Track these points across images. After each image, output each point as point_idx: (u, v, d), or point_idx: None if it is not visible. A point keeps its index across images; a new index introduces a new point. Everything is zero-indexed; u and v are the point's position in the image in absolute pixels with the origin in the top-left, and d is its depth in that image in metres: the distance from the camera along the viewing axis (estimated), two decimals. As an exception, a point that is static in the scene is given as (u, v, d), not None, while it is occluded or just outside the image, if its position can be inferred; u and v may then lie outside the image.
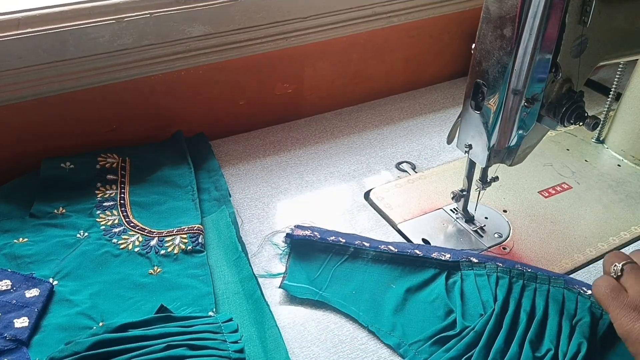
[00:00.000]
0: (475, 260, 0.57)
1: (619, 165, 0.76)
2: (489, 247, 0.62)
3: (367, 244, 0.60)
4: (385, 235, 0.64)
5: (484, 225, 0.65)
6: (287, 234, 0.61)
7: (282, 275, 0.58)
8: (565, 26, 0.47)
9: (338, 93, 0.89)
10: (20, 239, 0.59)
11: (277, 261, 0.61)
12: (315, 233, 0.61)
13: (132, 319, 0.49)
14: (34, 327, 0.50)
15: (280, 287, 0.56)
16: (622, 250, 0.62)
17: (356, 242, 0.60)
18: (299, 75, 0.84)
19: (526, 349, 0.49)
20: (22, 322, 0.50)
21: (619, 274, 0.47)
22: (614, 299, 0.45)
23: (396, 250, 0.59)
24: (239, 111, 0.82)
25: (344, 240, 0.60)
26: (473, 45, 0.53)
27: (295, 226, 0.62)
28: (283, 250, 0.61)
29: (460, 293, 0.54)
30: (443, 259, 0.57)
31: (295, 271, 0.58)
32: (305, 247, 0.60)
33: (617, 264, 0.48)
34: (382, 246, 0.59)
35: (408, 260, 0.58)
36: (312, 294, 0.56)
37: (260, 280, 0.57)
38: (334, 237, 0.60)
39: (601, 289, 0.47)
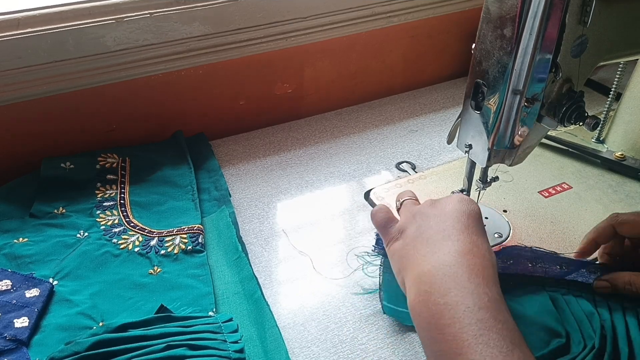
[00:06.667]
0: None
1: (619, 165, 0.76)
2: (489, 247, 0.62)
3: None
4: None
5: (484, 225, 0.65)
6: (376, 240, 0.56)
7: (377, 292, 0.54)
8: (565, 26, 0.47)
9: (338, 93, 0.89)
10: (20, 239, 0.59)
11: (276, 262, 0.61)
12: None
13: (132, 319, 0.49)
14: (34, 327, 0.50)
15: (384, 312, 0.53)
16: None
17: None
18: (299, 75, 0.84)
19: None
20: (22, 322, 0.50)
21: (398, 206, 0.54)
22: (385, 227, 0.52)
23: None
24: (239, 111, 0.82)
25: None
26: (473, 45, 0.53)
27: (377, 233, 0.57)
28: (366, 262, 0.57)
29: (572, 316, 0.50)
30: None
31: (391, 289, 0.53)
32: None
33: (400, 199, 0.55)
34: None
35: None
36: None
37: (260, 280, 0.57)
38: None
39: (378, 218, 0.53)
